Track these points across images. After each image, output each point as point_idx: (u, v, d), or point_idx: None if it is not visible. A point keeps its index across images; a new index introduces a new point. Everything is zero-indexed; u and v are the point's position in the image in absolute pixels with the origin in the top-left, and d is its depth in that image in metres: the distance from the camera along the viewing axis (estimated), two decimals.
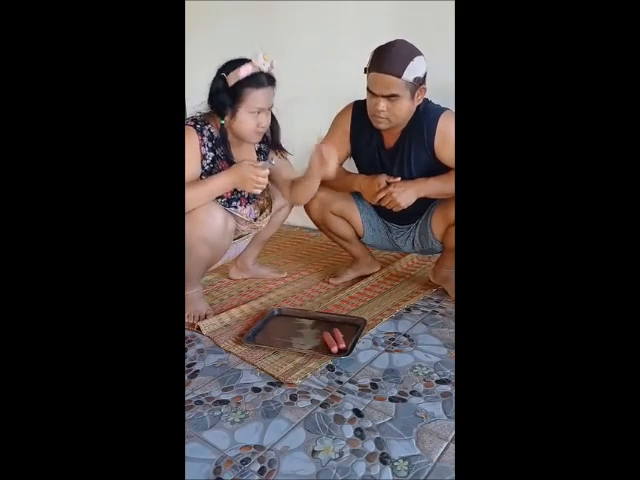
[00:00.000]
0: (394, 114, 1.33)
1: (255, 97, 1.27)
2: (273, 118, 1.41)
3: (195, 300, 1.43)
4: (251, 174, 1.26)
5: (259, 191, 1.31)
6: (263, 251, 1.85)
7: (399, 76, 1.27)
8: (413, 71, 1.27)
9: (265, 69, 1.27)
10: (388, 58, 1.28)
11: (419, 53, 1.30)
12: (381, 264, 1.82)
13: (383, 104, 1.31)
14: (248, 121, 1.30)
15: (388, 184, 1.39)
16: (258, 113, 1.30)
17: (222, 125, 1.32)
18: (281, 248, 2.17)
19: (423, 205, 1.47)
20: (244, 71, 1.25)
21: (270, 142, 1.47)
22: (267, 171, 1.29)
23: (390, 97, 1.30)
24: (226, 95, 1.27)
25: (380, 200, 1.39)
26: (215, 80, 1.29)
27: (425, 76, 1.33)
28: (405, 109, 1.33)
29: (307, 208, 1.61)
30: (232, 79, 1.26)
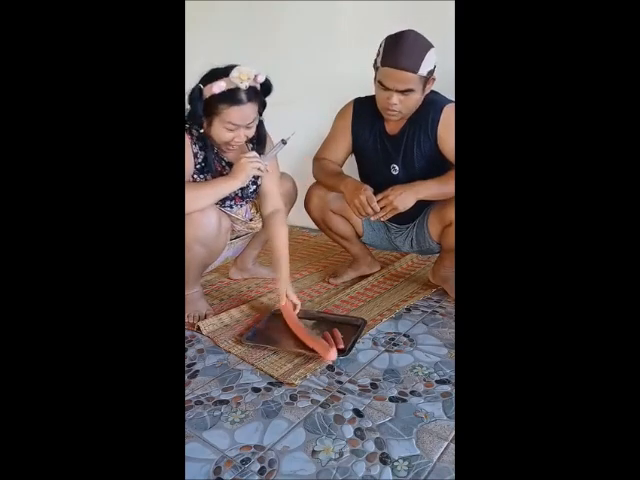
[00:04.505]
0: (406, 106, 1.35)
1: (229, 114, 1.24)
2: (261, 124, 1.38)
3: (195, 300, 1.43)
4: (249, 165, 1.29)
5: (262, 173, 1.32)
6: (263, 251, 1.84)
7: (415, 72, 1.27)
8: (427, 65, 1.29)
9: (243, 87, 1.22)
10: (404, 53, 1.26)
11: (431, 45, 1.31)
12: (381, 264, 1.82)
13: (396, 98, 1.32)
14: (221, 134, 1.28)
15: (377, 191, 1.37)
16: (233, 131, 1.27)
17: (200, 134, 1.32)
18: None
19: (421, 205, 1.47)
20: (217, 88, 1.21)
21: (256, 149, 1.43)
22: (263, 165, 1.31)
23: (404, 92, 1.30)
24: (201, 106, 1.25)
25: (381, 208, 1.37)
26: (193, 90, 1.26)
27: (435, 67, 1.35)
28: (416, 101, 1.36)
29: (307, 207, 1.61)
30: (207, 92, 1.24)
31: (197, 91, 1.24)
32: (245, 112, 1.25)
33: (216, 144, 1.35)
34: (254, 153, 1.32)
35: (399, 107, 1.34)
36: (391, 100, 1.32)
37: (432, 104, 1.40)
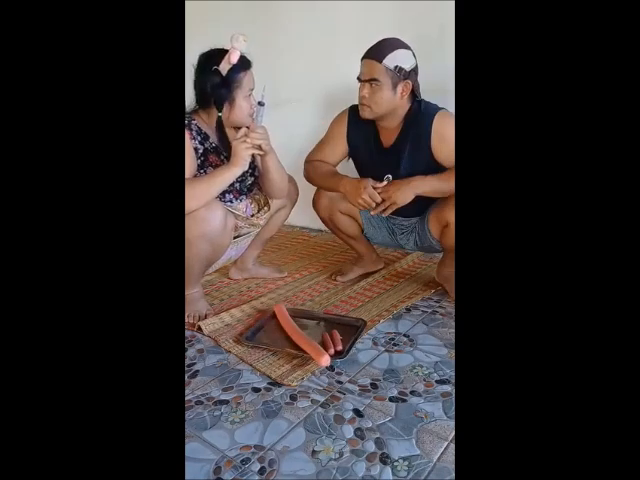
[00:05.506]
0: (375, 102, 1.39)
1: (247, 80, 1.30)
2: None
3: (195, 300, 1.43)
4: (240, 147, 1.28)
5: (256, 151, 1.31)
6: (263, 251, 1.85)
7: (380, 61, 1.34)
8: (395, 59, 1.34)
9: (244, 51, 1.29)
10: (374, 46, 1.37)
11: (407, 47, 1.37)
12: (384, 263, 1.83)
13: (365, 90, 1.38)
14: (244, 105, 1.33)
15: (374, 187, 1.40)
16: (249, 95, 1.33)
17: (219, 117, 1.34)
18: (281, 248, 2.17)
19: (426, 200, 1.47)
20: (235, 56, 1.25)
21: None
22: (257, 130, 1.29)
23: (371, 82, 1.36)
24: (223, 87, 1.28)
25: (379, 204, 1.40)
26: (208, 77, 1.28)
27: (411, 72, 1.37)
28: (385, 99, 1.38)
29: (315, 206, 1.64)
30: (225, 68, 1.26)
31: (214, 75, 1.27)
32: (252, 74, 1.32)
33: (236, 123, 1.35)
34: (242, 131, 1.30)
35: (367, 101, 1.39)
36: (361, 92, 1.39)
37: (423, 115, 1.42)
